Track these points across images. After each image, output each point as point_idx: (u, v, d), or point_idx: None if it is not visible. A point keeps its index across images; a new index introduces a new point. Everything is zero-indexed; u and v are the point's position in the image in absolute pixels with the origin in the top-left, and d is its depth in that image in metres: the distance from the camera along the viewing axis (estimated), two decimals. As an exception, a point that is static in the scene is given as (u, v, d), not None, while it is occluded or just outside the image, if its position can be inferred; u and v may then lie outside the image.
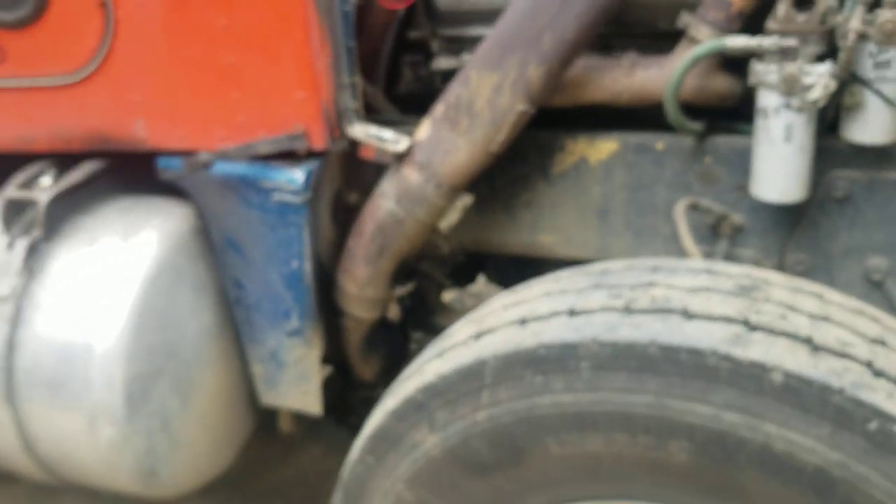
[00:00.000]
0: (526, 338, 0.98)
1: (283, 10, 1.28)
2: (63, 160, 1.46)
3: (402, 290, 1.56)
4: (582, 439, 0.95)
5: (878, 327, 0.95)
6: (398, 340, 1.71)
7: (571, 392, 0.95)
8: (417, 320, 1.69)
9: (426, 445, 1.05)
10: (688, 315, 0.92)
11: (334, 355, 1.61)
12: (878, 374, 0.87)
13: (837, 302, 0.98)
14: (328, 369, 1.56)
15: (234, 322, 1.50)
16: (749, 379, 0.87)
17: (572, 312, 0.98)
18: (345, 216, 1.56)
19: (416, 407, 1.05)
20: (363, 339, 1.59)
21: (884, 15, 1.16)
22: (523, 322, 1.01)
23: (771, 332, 0.90)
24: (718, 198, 1.40)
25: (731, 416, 0.87)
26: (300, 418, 1.85)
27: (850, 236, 1.35)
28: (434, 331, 1.61)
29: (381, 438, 1.10)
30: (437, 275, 1.63)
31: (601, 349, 0.93)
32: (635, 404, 0.91)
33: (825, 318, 0.93)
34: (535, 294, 1.07)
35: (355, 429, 2.13)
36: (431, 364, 1.08)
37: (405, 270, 1.56)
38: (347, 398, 2.21)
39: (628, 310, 0.95)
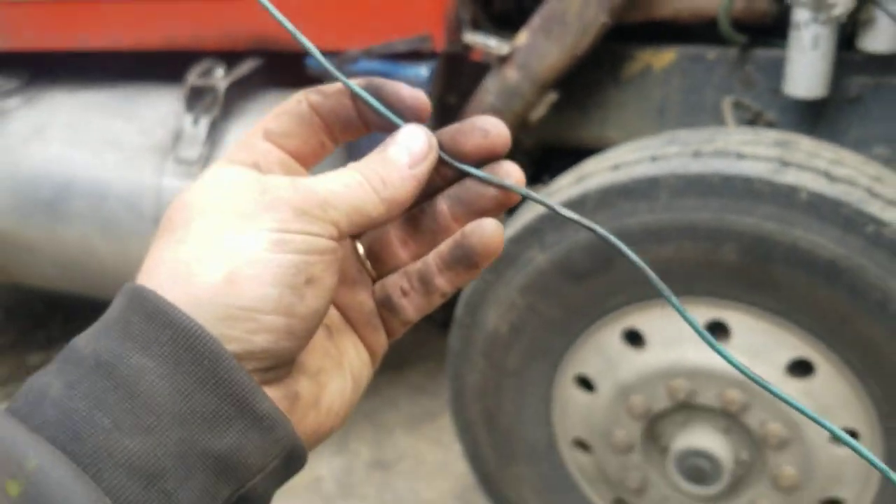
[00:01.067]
0: (619, 176, 1.34)
1: (421, -64, 1.63)
2: (228, 57, 1.81)
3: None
4: (658, 247, 1.32)
5: (876, 171, 1.31)
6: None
7: (653, 213, 1.31)
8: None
9: (537, 260, 1.42)
10: (740, 156, 1.28)
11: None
12: (875, 195, 1.23)
13: (848, 155, 1.34)
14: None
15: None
16: (783, 196, 1.23)
17: (653, 158, 1.35)
18: (444, 116, 1.91)
19: (531, 231, 1.42)
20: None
21: (894, -51, 1.50)
22: (616, 167, 1.37)
23: (799, 167, 1.26)
24: (756, 99, 1.75)
25: (769, 224, 1.24)
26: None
27: (859, 130, 1.70)
28: (510, 212, 1.98)
29: (500, 259, 1.46)
30: (521, 166, 1.99)
31: (677, 180, 1.29)
32: (700, 219, 1.28)
33: (839, 163, 1.29)
34: (622, 151, 1.43)
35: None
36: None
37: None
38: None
39: (697, 154, 1.31)
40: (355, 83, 0.47)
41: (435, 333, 2.59)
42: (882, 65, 1.64)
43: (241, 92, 1.78)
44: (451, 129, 0.48)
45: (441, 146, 0.48)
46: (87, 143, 1.82)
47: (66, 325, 2.69)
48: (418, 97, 0.47)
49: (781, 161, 1.27)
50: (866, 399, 1.31)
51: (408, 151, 0.46)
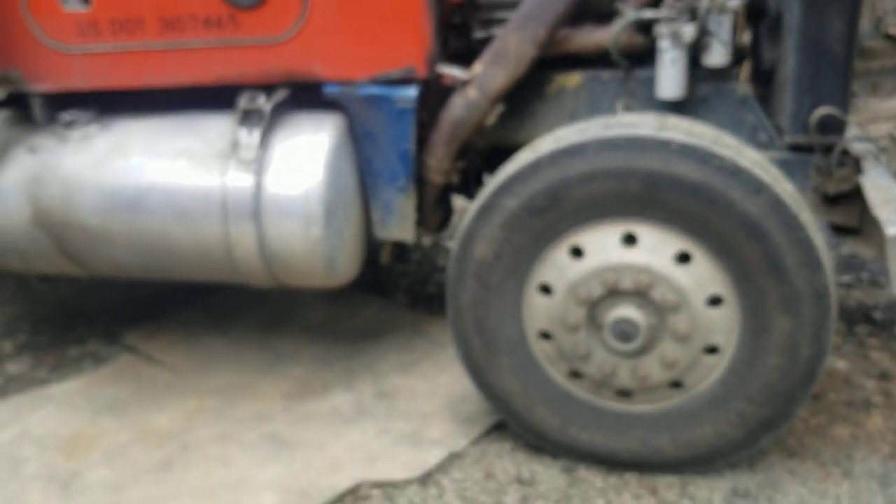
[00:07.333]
0: (560, 142, 2.10)
1: (411, 5, 2.37)
2: (265, 88, 2.48)
3: (460, 164, 2.65)
4: (589, 186, 2.07)
5: (716, 133, 2.11)
6: (450, 206, 2.80)
7: (584, 164, 2.06)
8: (462, 191, 2.78)
9: (510, 205, 2.14)
10: (634, 126, 2.06)
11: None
12: (717, 143, 2.02)
13: (698, 125, 2.14)
14: (417, 215, 2.62)
15: (364, 184, 2.55)
16: (663, 146, 2.01)
17: (581, 131, 2.11)
18: (419, 129, 2.63)
19: (504, 187, 2.14)
20: (435, 197, 2.67)
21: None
22: (557, 139, 2.13)
23: (672, 129, 2.04)
24: (639, 104, 2.55)
25: (656, 164, 2.01)
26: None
27: (710, 119, 2.50)
28: (471, 199, 2.70)
29: (485, 208, 2.18)
30: (477, 161, 2.73)
31: (597, 142, 2.05)
32: (613, 165, 2.04)
33: (693, 128, 2.09)
34: (561, 130, 2.19)
35: (391, 297, 3.25)
36: (507, 168, 2.18)
37: (460, 156, 2.65)
38: (381, 277, 3.31)
39: (607, 126, 2.08)
40: None
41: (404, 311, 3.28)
42: (720, 75, 2.47)
43: (278, 112, 2.45)
44: None
45: None
46: (162, 154, 2.44)
47: (93, 326, 3.21)
48: None
49: (660, 127, 2.05)
50: (726, 273, 2.08)
51: None
